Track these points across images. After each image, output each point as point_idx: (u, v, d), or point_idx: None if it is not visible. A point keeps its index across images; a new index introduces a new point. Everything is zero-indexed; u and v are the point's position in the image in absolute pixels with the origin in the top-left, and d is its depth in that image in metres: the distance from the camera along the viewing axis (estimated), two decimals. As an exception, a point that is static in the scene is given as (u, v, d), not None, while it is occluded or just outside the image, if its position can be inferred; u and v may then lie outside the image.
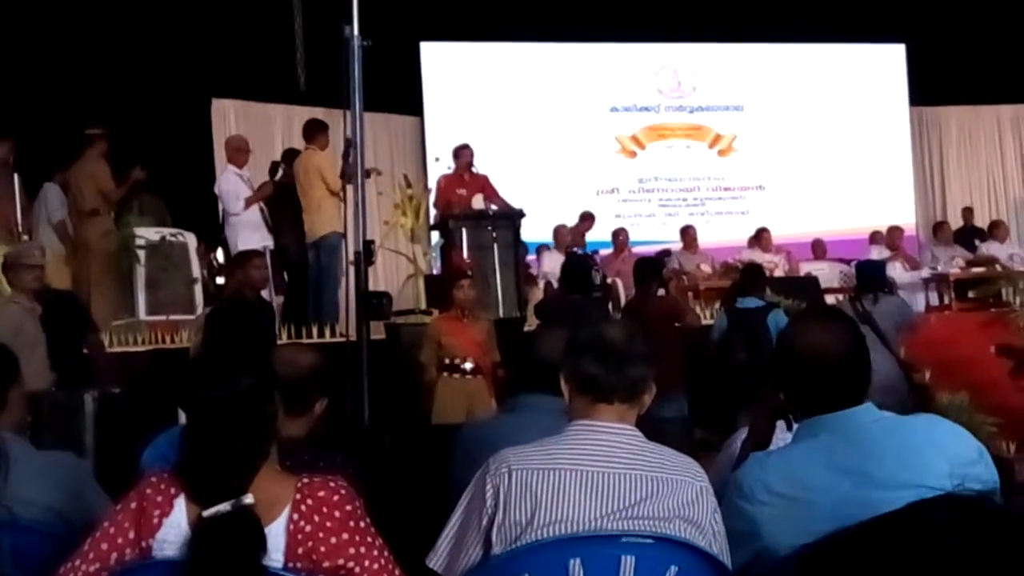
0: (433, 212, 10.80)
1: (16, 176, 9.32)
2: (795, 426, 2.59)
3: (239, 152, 10.04)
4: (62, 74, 11.22)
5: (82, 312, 7.58)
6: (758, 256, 12.31)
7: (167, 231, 9.43)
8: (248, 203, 9.68)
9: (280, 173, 10.22)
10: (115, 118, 10.07)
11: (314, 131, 9.72)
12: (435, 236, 10.90)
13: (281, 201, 9.94)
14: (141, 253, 9.10)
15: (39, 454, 3.02)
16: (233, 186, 9.78)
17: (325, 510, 2.29)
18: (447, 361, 7.20)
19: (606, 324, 2.73)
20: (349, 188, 8.54)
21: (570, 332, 2.80)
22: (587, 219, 13.06)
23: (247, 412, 2.32)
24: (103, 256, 9.41)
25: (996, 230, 13.80)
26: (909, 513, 2.30)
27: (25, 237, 9.14)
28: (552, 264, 11.41)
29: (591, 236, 12.95)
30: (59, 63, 11.28)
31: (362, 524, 2.32)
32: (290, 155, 10.51)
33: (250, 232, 9.65)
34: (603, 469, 2.52)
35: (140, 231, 9.26)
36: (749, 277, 8.62)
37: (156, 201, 10.10)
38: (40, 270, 7.02)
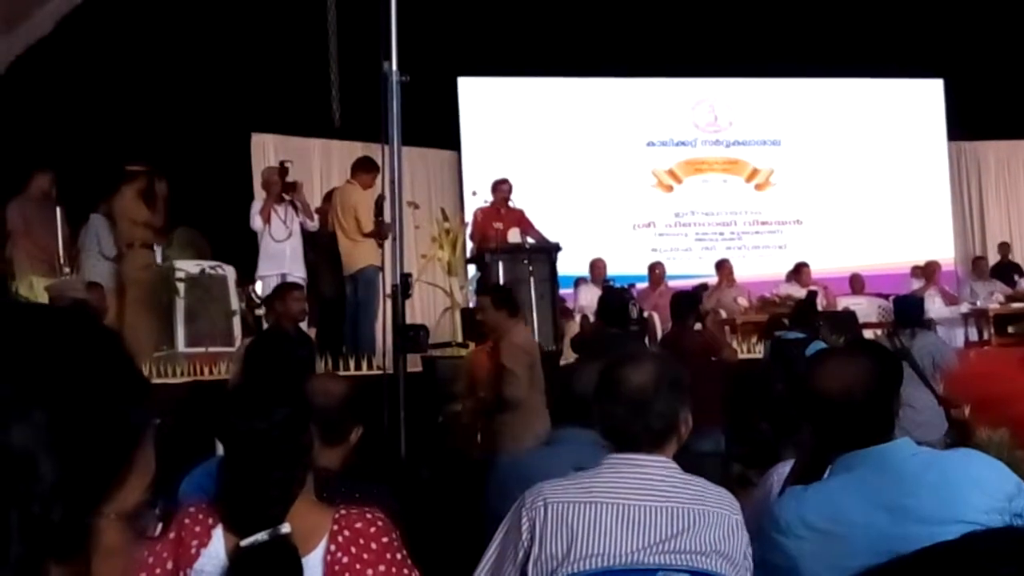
0: (470, 245, 10.82)
1: (59, 209, 9.42)
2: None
3: (270, 183, 10.15)
4: (105, 109, 11.35)
5: None
6: (796, 290, 12.24)
7: (207, 264, 9.48)
8: (263, 212, 9.80)
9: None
10: (157, 152, 10.19)
11: (361, 168, 9.73)
12: (471, 269, 10.91)
13: (317, 235, 10.02)
14: (181, 286, 9.14)
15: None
16: (256, 208, 9.98)
17: (362, 541, 2.29)
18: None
19: (634, 368, 2.68)
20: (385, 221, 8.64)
21: (604, 368, 2.80)
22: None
23: (283, 442, 2.33)
24: (143, 288, 9.48)
25: (1036, 265, 13.72)
26: (956, 547, 2.27)
27: (67, 270, 9.23)
28: (588, 298, 11.39)
29: (628, 270, 12.94)
30: (102, 98, 11.41)
31: (399, 556, 2.32)
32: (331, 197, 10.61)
33: (266, 260, 9.85)
34: (640, 502, 2.51)
35: (180, 264, 9.32)
36: (799, 310, 8.57)
37: (196, 234, 10.19)
38: (83, 304, 7.10)
